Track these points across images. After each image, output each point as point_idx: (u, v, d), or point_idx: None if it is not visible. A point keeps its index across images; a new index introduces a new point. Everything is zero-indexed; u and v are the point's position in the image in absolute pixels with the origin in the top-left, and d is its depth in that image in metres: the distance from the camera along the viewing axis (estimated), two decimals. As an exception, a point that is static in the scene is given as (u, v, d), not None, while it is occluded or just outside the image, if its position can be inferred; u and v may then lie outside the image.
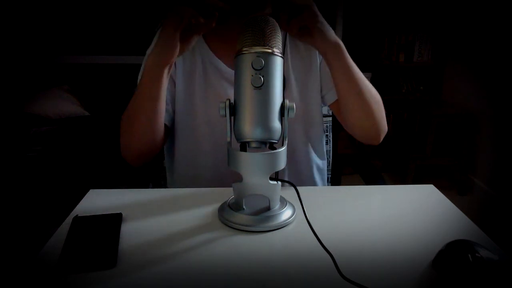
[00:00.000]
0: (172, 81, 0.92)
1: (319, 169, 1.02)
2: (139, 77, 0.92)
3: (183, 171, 0.97)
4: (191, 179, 0.96)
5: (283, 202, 0.72)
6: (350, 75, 0.81)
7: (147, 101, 0.79)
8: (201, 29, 0.75)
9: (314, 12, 0.72)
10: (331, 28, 0.79)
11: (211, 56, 0.92)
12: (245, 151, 0.66)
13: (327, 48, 0.78)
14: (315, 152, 1.00)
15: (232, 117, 0.67)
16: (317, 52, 0.92)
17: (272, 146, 0.67)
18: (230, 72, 0.89)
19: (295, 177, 0.96)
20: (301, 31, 0.76)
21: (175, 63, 0.89)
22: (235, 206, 0.70)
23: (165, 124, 0.88)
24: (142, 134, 0.83)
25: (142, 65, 0.93)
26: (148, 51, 0.93)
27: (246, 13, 0.76)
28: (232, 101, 0.67)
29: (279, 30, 0.69)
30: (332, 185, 1.18)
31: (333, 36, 0.78)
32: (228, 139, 0.68)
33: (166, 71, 0.76)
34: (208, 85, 0.91)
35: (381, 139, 0.90)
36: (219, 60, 0.91)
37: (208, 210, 0.74)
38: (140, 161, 0.89)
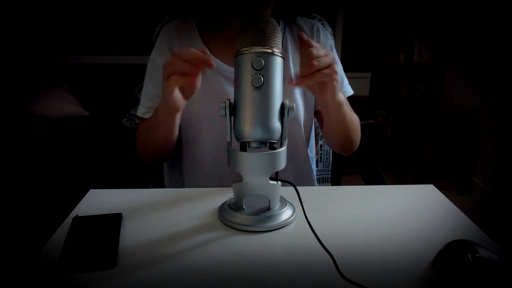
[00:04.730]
0: None
1: (314, 168, 1.04)
2: (145, 82, 0.95)
3: (186, 170, 0.97)
4: (194, 177, 0.96)
5: (283, 202, 0.72)
6: (341, 121, 0.86)
7: (162, 131, 0.85)
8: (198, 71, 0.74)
9: (335, 70, 0.73)
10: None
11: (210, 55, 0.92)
12: (245, 151, 0.66)
13: (330, 105, 0.80)
14: (311, 152, 1.02)
15: (232, 117, 0.67)
16: None
17: (272, 146, 0.67)
18: (228, 70, 0.90)
19: (295, 177, 0.97)
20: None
21: None
22: (235, 206, 0.70)
23: None
24: (158, 146, 0.89)
25: (147, 68, 0.94)
26: (153, 56, 0.94)
27: (245, 14, 0.77)
28: (232, 101, 0.67)
29: (279, 30, 0.69)
30: (332, 185, 1.18)
31: (340, 94, 0.80)
32: (228, 139, 0.68)
33: (178, 115, 0.80)
34: (207, 83, 0.92)
35: (351, 153, 0.98)
36: (218, 59, 0.91)
37: (208, 210, 0.74)
38: (155, 162, 0.97)
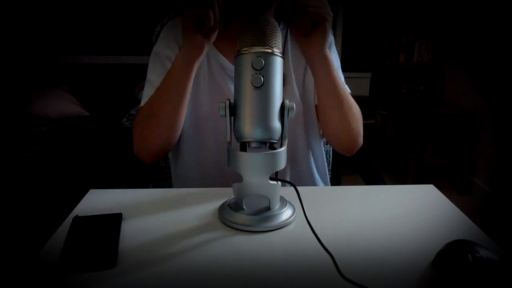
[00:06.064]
0: None
1: (319, 169, 1.02)
2: (148, 75, 0.93)
3: (188, 169, 0.97)
4: (195, 176, 0.96)
5: (283, 202, 0.72)
6: (333, 89, 0.84)
7: (174, 95, 0.81)
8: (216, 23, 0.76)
9: (329, 12, 0.74)
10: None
11: (216, 54, 0.92)
12: (245, 151, 0.66)
13: (317, 57, 0.79)
14: (315, 152, 1.01)
15: (232, 117, 0.67)
16: None
17: (272, 146, 0.67)
18: (233, 69, 0.90)
19: (296, 177, 0.96)
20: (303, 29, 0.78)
21: None
22: (235, 206, 0.70)
23: None
24: (163, 128, 0.84)
25: (150, 61, 0.94)
26: (157, 49, 0.93)
27: (249, 13, 0.77)
28: (232, 101, 0.67)
29: (279, 30, 0.69)
30: (332, 185, 1.18)
31: (328, 52, 0.79)
32: (228, 139, 0.68)
33: (196, 65, 0.79)
34: (212, 81, 0.92)
35: (354, 152, 0.93)
36: (224, 58, 0.92)
37: (208, 210, 0.74)
38: (154, 158, 0.90)
